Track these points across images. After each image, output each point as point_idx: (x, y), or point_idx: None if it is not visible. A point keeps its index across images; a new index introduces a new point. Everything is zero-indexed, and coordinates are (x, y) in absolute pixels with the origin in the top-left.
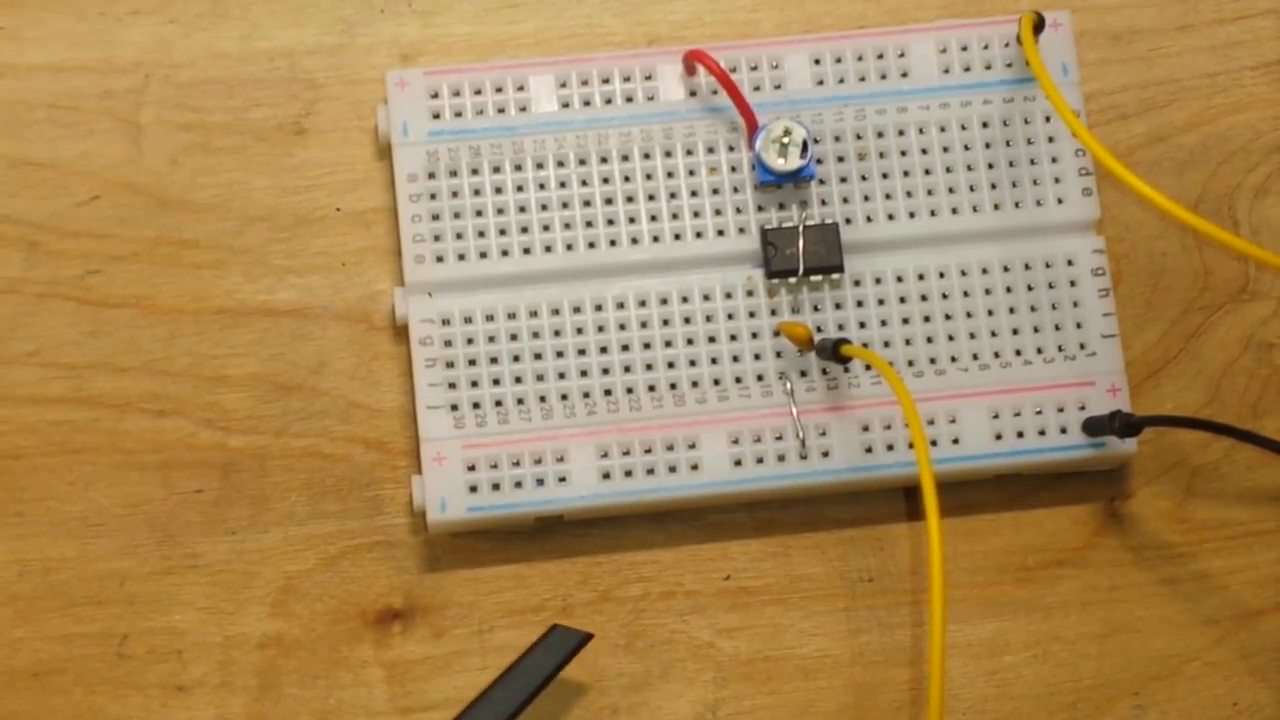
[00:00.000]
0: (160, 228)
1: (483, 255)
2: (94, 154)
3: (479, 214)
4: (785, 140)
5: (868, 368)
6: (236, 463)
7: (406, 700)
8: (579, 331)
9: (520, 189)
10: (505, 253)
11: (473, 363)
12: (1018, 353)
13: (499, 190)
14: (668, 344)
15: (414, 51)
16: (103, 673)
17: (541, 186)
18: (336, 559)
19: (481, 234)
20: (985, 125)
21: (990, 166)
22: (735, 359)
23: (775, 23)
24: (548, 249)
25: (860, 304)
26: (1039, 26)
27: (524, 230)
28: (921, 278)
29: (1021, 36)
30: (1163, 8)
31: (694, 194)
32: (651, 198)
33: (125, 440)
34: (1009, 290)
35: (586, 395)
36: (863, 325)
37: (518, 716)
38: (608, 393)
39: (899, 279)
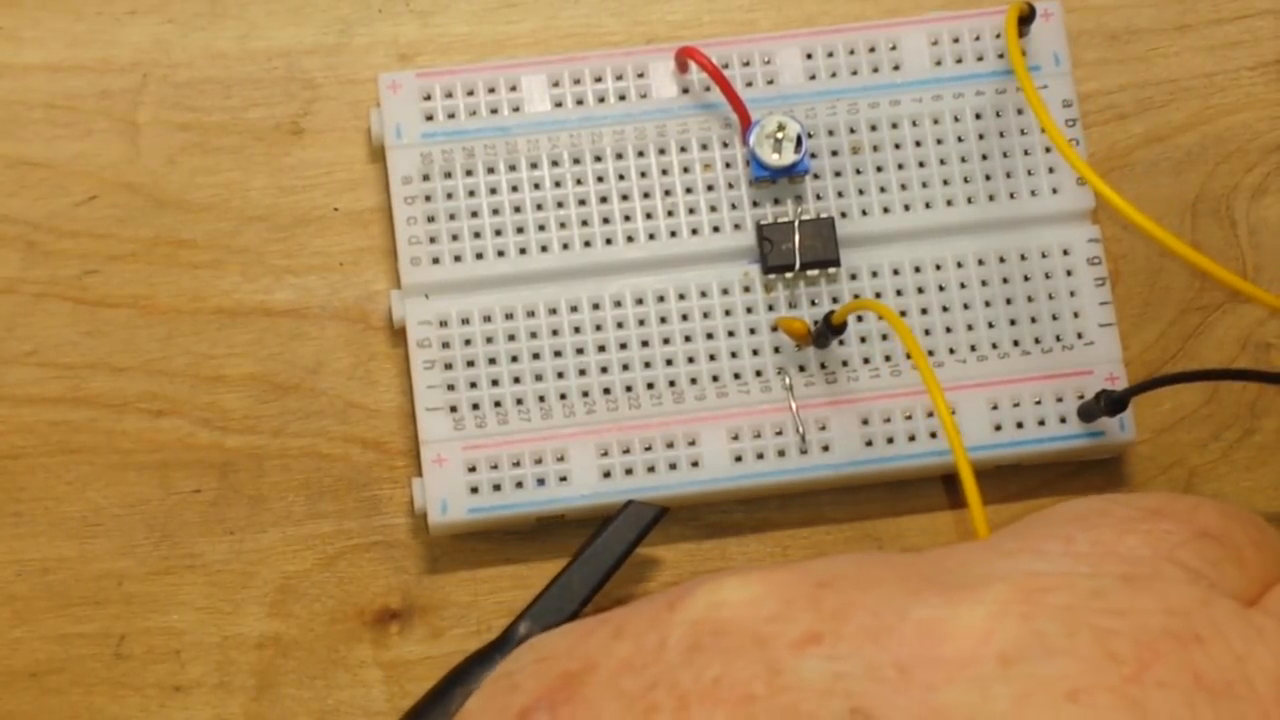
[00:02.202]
0: (158, 227)
1: (479, 256)
2: (91, 154)
3: (474, 215)
4: (779, 135)
5: (866, 361)
6: (234, 463)
7: (405, 700)
8: (577, 331)
9: (515, 189)
10: (501, 253)
11: (471, 364)
12: (1015, 343)
13: (494, 191)
14: (666, 341)
15: (412, 51)
16: (100, 673)
17: (536, 186)
18: (334, 559)
19: (477, 235)
20: (978, 116)
21: (984, 158)
22: (733, 355)
23: (773, 22)
24: (544, 249)
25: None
26: (1030, 17)
27: (520, 231)
28: (918, 270)
29: (1006, 31)
30: (1160, 8)
31: (689, 191)
32: (646, 196)
33: (123, 440)
34: (1005, 281)
35: (586, 394)
36: (860, 319)
37: (595, 595)
38: (607, 391)
39: (895, 272)
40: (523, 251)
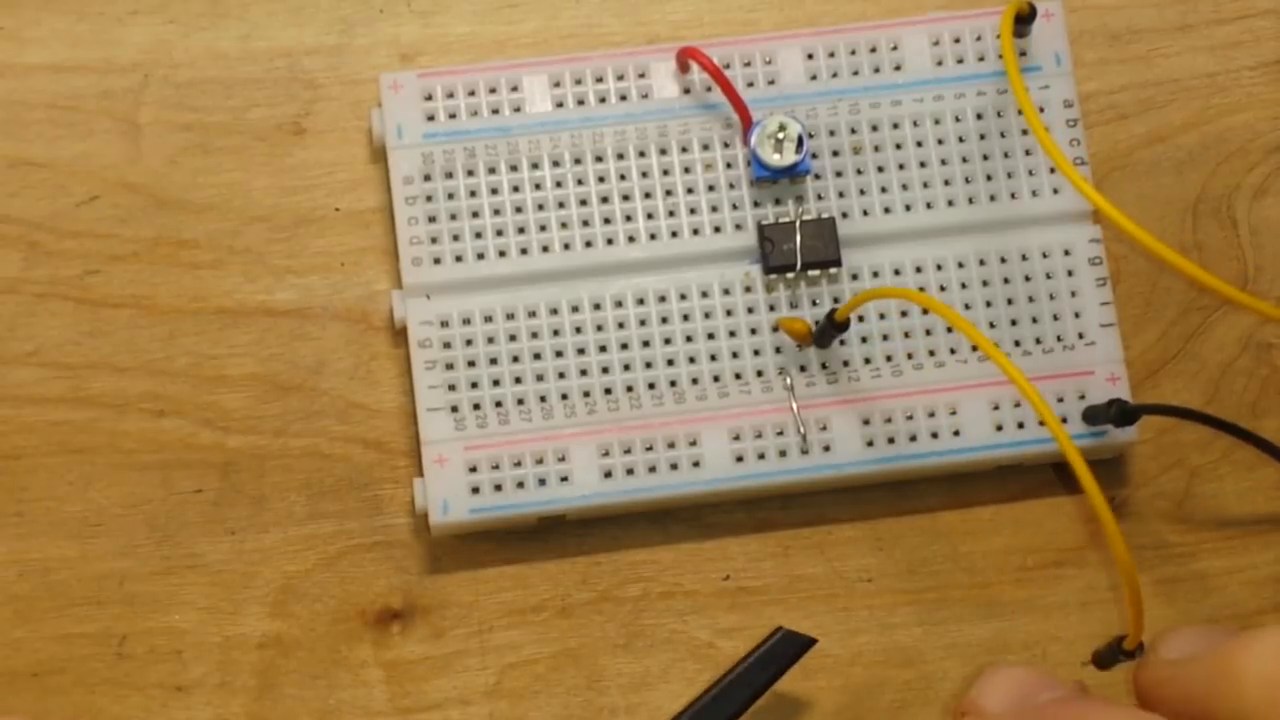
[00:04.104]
0: (159, 228)
1: (480, 256)
2: (93, 154)
3: (475, 215)
4: (780, 136)
5: (867, 361)
6: (236, 463)
7: (406, 700)
8: (578, 331)
9: (516, 189)
10: (503, 253)
11: (472, 364)
12: (1016, 343)
13: (495, 191)
14: (667, 341)
15: (413, 51)
16: (102, 673)
17: (537, 187)
18: (335, 559)
19: (479, 235)
20: (979, 117)
21: (985, 158)
22: (735, 355)
23: (774, 22)
24: (545, 249)
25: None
26: (1031, 17)
27: (521, 231)
28: (919, 270)
29: (1001, 30)
30: (1162, 8)
31: (690, 191)
32: (648, 196)
33: (125, 440)
34: (1006, 281)
35: (586, 394)
36: (861, 319)
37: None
38: (608, 391)
39: (896, 272)
40: (524, 252)
